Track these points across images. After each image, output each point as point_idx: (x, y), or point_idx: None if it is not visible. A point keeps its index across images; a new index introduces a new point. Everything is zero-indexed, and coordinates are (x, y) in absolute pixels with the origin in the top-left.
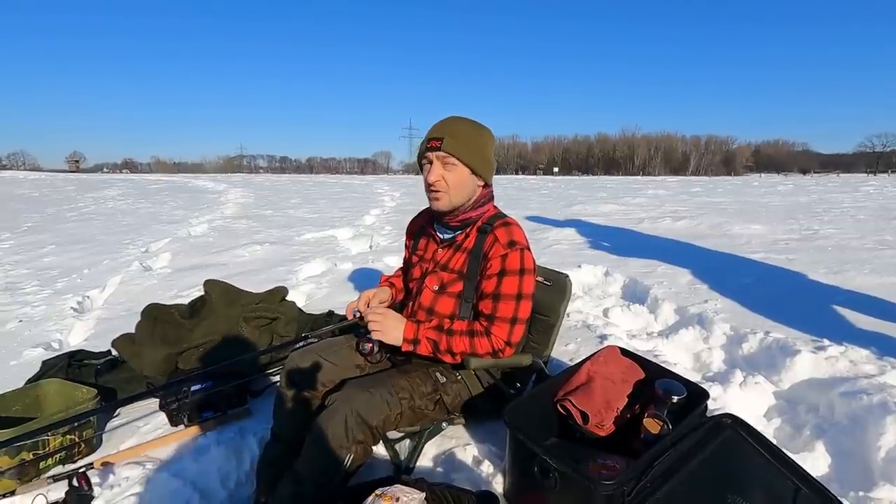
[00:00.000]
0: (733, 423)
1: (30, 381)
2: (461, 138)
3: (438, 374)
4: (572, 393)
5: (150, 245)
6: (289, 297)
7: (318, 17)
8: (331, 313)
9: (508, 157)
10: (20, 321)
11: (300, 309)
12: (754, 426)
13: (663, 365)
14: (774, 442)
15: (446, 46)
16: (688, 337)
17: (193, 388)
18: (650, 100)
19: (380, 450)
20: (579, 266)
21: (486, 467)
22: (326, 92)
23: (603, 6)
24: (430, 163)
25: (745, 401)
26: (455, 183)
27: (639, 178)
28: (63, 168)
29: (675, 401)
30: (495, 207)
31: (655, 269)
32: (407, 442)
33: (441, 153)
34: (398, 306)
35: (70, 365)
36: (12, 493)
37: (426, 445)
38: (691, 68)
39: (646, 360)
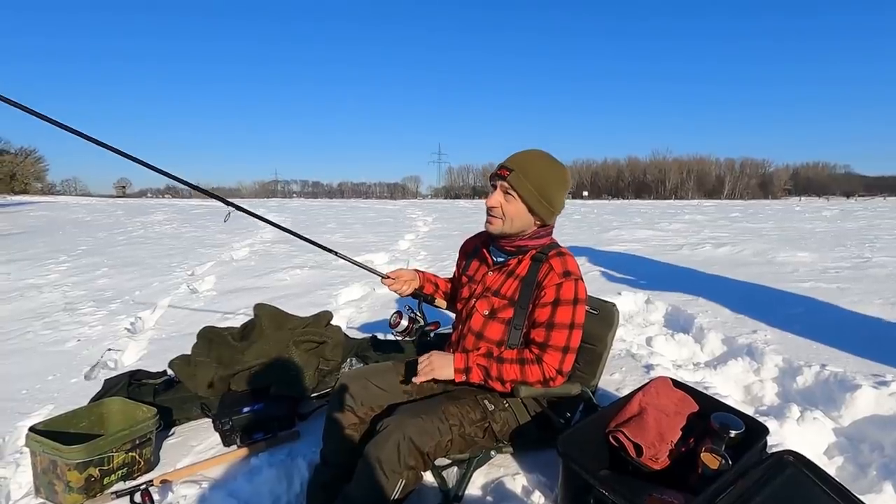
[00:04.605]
0: (796, 461)
1: (93, 399)
2: (530, 177)
3: (487, 402)
4: (625, 424)
5: (196, 268)
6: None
7: (346, 39)
8: (374, 338)
9: None
10: (78, 341)
11: (345, 333)
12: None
13: (716, 397)
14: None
15: (474, 69)
16: (737, 368)
17: (245, 410)
18: (682, 121)
19: (427, 477)
20: (619, 293)
21: (537, 498)
22: (356, 117)
23: (631, 24)
24: (495, 188)
25: (803, 437)
26: (511, 214)
27: (673, 202)
28: (111, 193)
29: (732, 435)
30: (552, 238)
31: (698, 297)
32: (454, 470)
33: (506, 184)
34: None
35: (130, 384)
36: None
37: (474, 474)
38: (724, 87)
39: (698, 391)
